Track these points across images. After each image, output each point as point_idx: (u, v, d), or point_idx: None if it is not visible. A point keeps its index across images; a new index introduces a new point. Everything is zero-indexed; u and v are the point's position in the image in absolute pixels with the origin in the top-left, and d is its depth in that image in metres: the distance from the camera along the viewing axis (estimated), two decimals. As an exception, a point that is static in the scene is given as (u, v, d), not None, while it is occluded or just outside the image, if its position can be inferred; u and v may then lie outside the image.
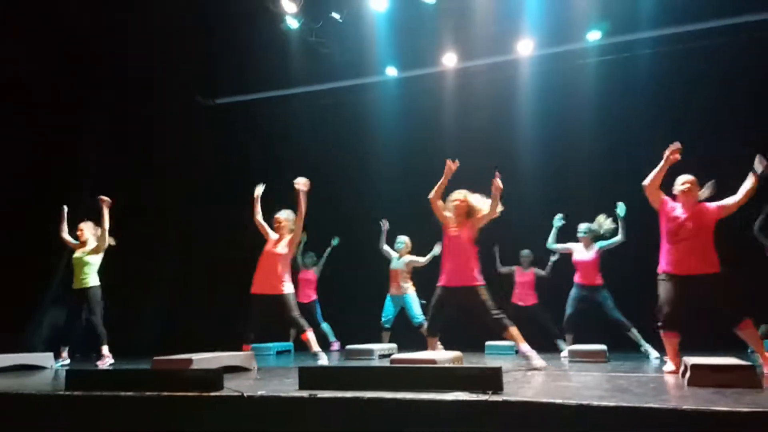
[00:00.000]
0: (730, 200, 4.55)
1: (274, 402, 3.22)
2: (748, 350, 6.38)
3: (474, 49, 8.24)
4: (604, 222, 6.61)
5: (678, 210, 4.58)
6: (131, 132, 8.64)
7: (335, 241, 8.57)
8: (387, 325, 7.31)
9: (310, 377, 3.41)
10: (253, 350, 5.66)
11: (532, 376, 4.28)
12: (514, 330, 4.94)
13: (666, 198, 4.66)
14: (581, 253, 6.65)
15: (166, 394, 3.44)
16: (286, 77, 8.86)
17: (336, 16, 7.86)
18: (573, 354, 5.85)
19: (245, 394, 3.25)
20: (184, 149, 9.19)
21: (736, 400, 2.86)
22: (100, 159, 8.44)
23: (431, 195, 5.15)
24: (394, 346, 6.97)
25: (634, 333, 6.32)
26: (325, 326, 8.33)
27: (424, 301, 7.03)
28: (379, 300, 7.53)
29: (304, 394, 3.20)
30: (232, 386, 3.53)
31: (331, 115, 9.27)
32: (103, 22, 7.59)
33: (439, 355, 4.53)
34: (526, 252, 7.67)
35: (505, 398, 2.94)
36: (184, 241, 9.08)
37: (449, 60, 8.40)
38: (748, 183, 4.49)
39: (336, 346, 8.22)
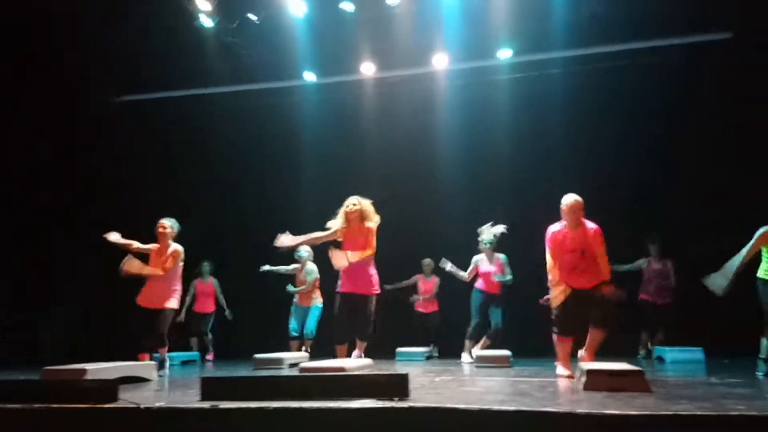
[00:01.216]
0: (601, 258, 4.64)
1: (172, 414, 3.07)
2: (638, 355, 6.83)
3: (392, 59, 8.36)
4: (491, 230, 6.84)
5: (567, 241, 4.68)
6: (42, 130, 8.15)
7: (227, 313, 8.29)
8: (294, 334, 7.20)
9: (214, 387, 3.29)
10: (153, 360, 5.43)
11: (440, 382, 4.35)
12: (364, 345, 5.35)
13: (551, 238, 4.73)
14: (485, 264, 6.81)
15: (55, 406, 3.22)
16: (201, 76, 8.63)
17: (253, 17, 7.72)
18: (479, 359, 6.00)
19: (142, 406, 3.08)
20: (94, 147, 8.77)
21: (626, 403, 3.02)
22: (9, 159, 7.89)
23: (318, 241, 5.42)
24: (305, 354, 6.87)
25: (482, 342, 6.65)
26: (209, 338, 8.19)
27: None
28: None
29: (206, 405, 3.08)
30: (128, 398, 3.35)
31: (248, 116, 9.10)
32: (8, 18, 7.11)
33: (349, 362, 4.52)
34: (427, 261, 7.86)
35: (410, 404, 2.96)
36: (96, 242, 8.60)
37: (367, 69, 8.47)
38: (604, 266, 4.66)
39: (210, 356, 8.10)
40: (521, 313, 6.77)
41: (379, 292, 5.37)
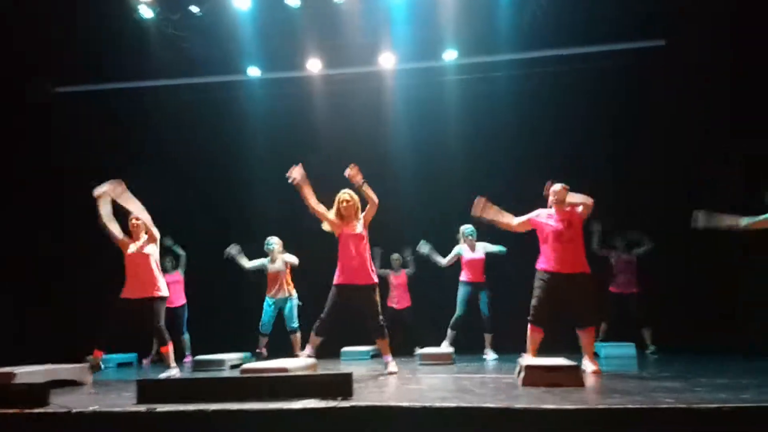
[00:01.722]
0: (582, 204, 4.92)
1: (106, 418, 2.97)
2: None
3: (338, 57, 8.32)
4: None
5: (553, 217, 4.92)
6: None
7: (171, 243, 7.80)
8: (265, 331, 7.00)
9: (151, 390, 3.20)
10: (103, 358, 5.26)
11: (384, 381, 4.37)
12: (386, 341, 5.11)
13: (531, 217, 4.97)
14: (468, 253, 6.93)
15: (-20, 412, 3.06)
16: (142, 69, 8.36)
17: (195, 9, 7.53)
18: (423, 357, 6.07)
19: (73, 411, 2.97)
20: (27, 140, 8.35)
21: (563, 398, 3.11)
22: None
23: (310, 206, 5.16)
24: (247, 355, 6.76)
25: (488, 337, 6.77)
26: (186, 337, 7.78)
27: (300, 303, 6.99)
28: (257, 304, 7.19)
29: (142, 408, 2.99)
30: (60, 402, 3.21)
31: (192, 110, 8.86)
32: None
33: (292, 363, 4.47)
34: (395, 255, 7.88)
35: (353, 404, 2.96)
36: (31, 239, 8.25)
37: (313, 66, 8.40)
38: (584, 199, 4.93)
39: (189, 359, 7.69)
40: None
41: (377, 282, 5.15)
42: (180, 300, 7.76)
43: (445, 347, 6.63)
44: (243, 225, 8.38)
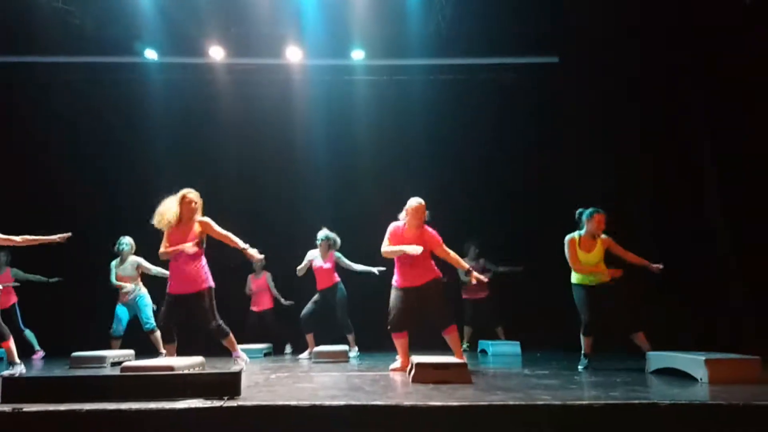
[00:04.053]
0: (446, 254, 5.01)
1: (-38, 420, 2.71)
2: (463, 347, 7.29)
3: (243, 47, 8.13)
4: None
5: (404, 234, 4.96)
6: None
7: (54, 280, 7.53)
8: (116, 335, 6.63)
9: (18, 389, 2.96)
10: None
11: (276, 380, 4.29)
12: (230, 338, 5.22)
13: (392, 231, 5.01)
14: (319, 260, 6.81)
15: None
16: (25, 43, 7.75)
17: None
18: (317, 355, 6.03)
19: None
20: None
21: (449, 395, 3.21)
22: None
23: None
24: (130, 352, 6.42)
25: (350, 338, 6.79)
26: (28, 333, 7.29)
27: (155, 307, 6.62)
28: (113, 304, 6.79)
29: (6, 408, 2.76)
30: None
31: (81, 91, 8.32)
32: None
33: (178, 361, 4.30)
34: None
35: (240, 403, 2.89)
36: None
37: (216, 53, 8.14)
38: (456, 262, 5.10)
39: (40, 355, 7.23)
40: (363, 306, 6.95)
41: (210, 285, 5.11)
42: (10, 301, 7.23)
43: (306, 354, 6.57)
44: (134, 216, 7.92)
